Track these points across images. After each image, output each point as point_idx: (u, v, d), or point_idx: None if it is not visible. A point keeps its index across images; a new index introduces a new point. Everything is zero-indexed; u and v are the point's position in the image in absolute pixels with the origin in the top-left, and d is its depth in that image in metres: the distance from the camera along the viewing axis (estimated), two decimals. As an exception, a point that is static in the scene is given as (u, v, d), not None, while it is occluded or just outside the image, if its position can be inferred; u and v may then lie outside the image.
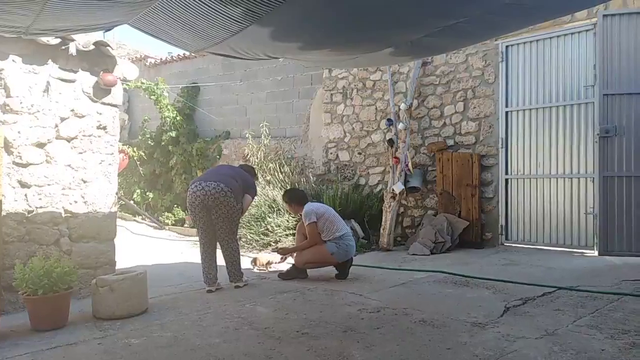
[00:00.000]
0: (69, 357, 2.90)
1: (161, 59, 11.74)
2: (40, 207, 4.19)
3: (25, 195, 4.11)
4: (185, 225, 9.26)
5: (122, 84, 4.79)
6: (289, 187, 7.23)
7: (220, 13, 2.78)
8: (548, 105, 6.11)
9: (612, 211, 5.36)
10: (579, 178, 5.88)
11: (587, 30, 5.79)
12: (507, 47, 6.39)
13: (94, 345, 3.09)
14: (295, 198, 5.07)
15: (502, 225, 6.41)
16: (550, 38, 6.07)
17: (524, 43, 6.27)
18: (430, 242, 6.20)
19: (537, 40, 6.18)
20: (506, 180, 6.41)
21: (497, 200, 6.43)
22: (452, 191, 6.61)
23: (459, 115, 6.76)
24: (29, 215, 4.13)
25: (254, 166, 6.77)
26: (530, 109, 6.24)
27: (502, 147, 6.41)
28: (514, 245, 6.31)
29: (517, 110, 6.34)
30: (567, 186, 5.98)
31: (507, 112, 6.40)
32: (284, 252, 5.23)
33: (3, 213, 3.95)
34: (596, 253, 5.52)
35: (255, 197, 5.36)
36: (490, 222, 6.48)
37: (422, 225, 6.68)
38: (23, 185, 4.10)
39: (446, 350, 2.78)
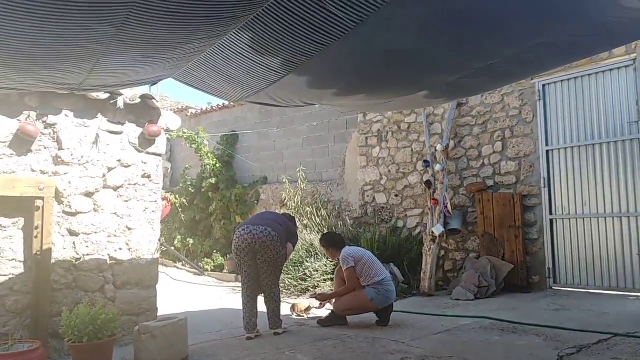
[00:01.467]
0: (111, 405, 2.90)
1: (201, 109, 12.20)
2: (87, 255, 4.32)
3: (74, 243, 4.26)
4: (225, 270, 9.31)
5: (165, 134, 4.99)
6: (326, 231, 7.21)
7: (260, 64, 2.90)
8: (591, 143, 5.95)
9: (669, 251, 5.07)
10: (629, 217, 5.63)
11: (626, 66, 5.69)
12: (543, 85, 6.33)
13: (135, 393, 3.09)
14: (332, 242, 5.04)
15: (549, 268, 6.14)
16: (589, 75, 5.99)
17: (561, 81, 6.21)
18: (473, 286, 6.00)
19: (574, 78, 6.10)
20: (551, 220, 6.19)
21: (543, 241, 6.20)
22: (494, 233, 6.43)
23: (497, 155, 6.66)
24: (77, 263, 4.26)
25: (293, 213, 6.81)
26: (572, 147, 6.09)
27: (544, 187, 6.24)
28: (563, 289, 6.02)
29: (559, 149, 6.20)
30: (617, 225, 5.72)
31: (547, 151, 6.27)
32: (323, 299, 5.15)
33: (52, 261, 4.10)
34: (654, 297, 5.20)
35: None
36: (537, 265, 6.23)
37: (465, 268, 6.49)
38: (72, 233, 4.25)
39: (497, 402, 2.63)
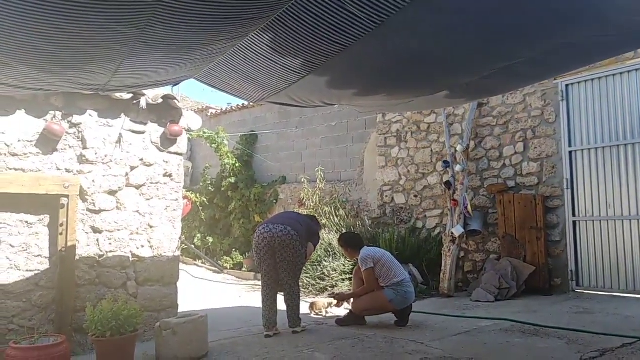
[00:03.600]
0: (133, 399, 2.96)
1: (221, 109, 12.32)
2: (110, 252, 4.41)
3: (97, 240, 4.35)
4: (243, 269, 9.39)
5: (187, 133, 5.05)
6: (344, 231, 7.21)
7: (280, 65, 2.92)
8: (616, 144, 5.83)
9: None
10: (655, 219, 5.50)
11: (653, 66, 5.56)
12: (567, 85, 6.23)
13: (157, 388, 3.15)
14: (351, 242, 5.04)
15: (572, 271, 6.04)
16: (613, 75, 5.87)
17: (585, 81, 6.10)
18: (494, 288, 5.93)
19: (599, 78, 5.99)
20: (574, 222, 6.09)
21: (565, 243, 6.10)
22: (515, 234, 6.35)
23: (519, 156, 6.58)
24: (100, 260, 4.35)
25: (312, 213, 6.83)
26: (597, 148, 5.98)
27: (567, 188, 6.14)
28: (586, 291, 5.91)
29: (582, 150, 6.09)
30: (642, 228, 5.60)
31: (570, 152, 6.17)
32: (341, 299, 5.16)
33: (76, 257, 4.19)
34: (681, 301, 5.08)
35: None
36: (559, 267, 6.13)
37: (485, 270, 6.42)
38: (95, 230, 4.34)
39: (517, 405, 2.61)
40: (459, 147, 6.92)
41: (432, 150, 7.58)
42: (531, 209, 6.25)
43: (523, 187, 6.50)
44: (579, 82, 6.15)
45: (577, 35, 2.67)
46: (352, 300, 4.97)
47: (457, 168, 6.83)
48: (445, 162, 7.11)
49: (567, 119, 6.21)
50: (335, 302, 5.33)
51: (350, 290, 5.62)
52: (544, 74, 4.09)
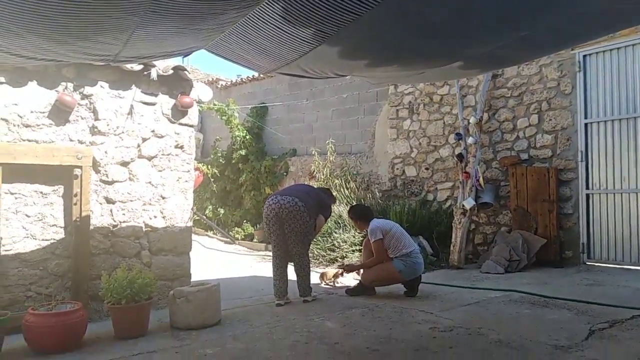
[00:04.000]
0: (149, 364, 3.05)
1: (231, 81, 12.25)
2: (124, 222, 4.47)
3: (111, 210, 4.41)
4: (254, 240, 9.49)
5: (197, 105, 5.04)
6: (354, 203, 7.23)
7: (291, 35, 2.88)
8: (633, 116, 5.73)
9: None
10: (670, 193, 5.44)
11: (675, 35, 5.40)
12: (584, 56, 6.09)
13: (171, 354, 3.23)
14: (360, 214, 5.06)
15: (583, 243, 6.03)
16: (633, 45, 5.72)
17: (603, 52, 5.95)
18: (504, 260, 5.95)
19: (617, 49, 5.84)
20: (587, 195, 6.04)
21: (578, 216, 6.07)
22: (527, 207, 6.33)
23: (533, 128, 6.49)
24: (114, 229, 4.42)
25: (323, 186, 6.84)
26: (613, 120, 5.88)
27: (581, 161, 6.07)
28: (597, 264, 5.91)
29: (598, 122, 6.00)
30: (656, 201, 5.54)
31: (586, 124, 6.07)
32: (350, 270, 5.22)
33: (91, 227, 4.26)
34: (693, 274, 5.06)
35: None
36: (570, 240, 6.12)
37: (495, 242, 6.43)
38: (109, 201, 4.40)
39: (525, 374, 2.64)
40: (472, 119, 6.84)
41: (444, 123, 7.50)
42: (544, 181, 6.20)
43: (536, 160, 6.44)
44: (596, 53, 6.00)
45: (598, 3, 2.59)
46: (361, 271, 5.02)
47: (470, 140, 6.77)
48: (457, 134, 7.04)
49: (583, 90, 6.09)
50: (342, 271, 5.40)
51: (359, 261, 5.67)
52: (562, 44, 3.98)
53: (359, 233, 6.74)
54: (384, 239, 4.73)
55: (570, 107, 6.17)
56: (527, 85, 6.56)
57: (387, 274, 4.74)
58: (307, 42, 2.98)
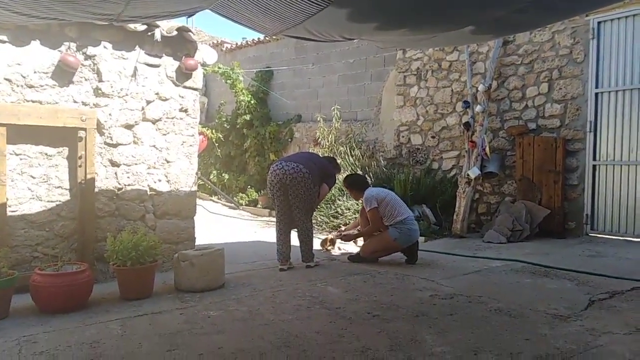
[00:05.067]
0: (154, 324, 3.10)
1: (236, 44, 12.03)
2: (129, 185, 4.48)
3: (115, 173, 4.41)
4: (259, 205, 9.54)
5: (202, 68, 4.97)
6: (359, 171, 7.21)
7: (298, -5, 2.79)
8: (645, 86, 5.61)
9: None
10: (678, 165, 5.38)
11: (694, 2, 5.22)
12: (599, 23, 5.91)
13: (176, 315, 3.29)
14: (355, 184, 5.08)
15: (587, 215, 6.02)
16: (650, 12, 5.54)
17: (619, 18, 5.77)
18: (507, 229, 5.96)
19: (633, 16, 5.66)
20: (594, 166, 5.99)
21: (583, 187, 6.04)
22: (532, 177, 6.29)
23: (542, 97, 6.38)
24: (119, 192, 4.43)
25: (328, 153, 6.80)
26: (624, 90, 5.76)
27: (590, 131, 5.98)
28: (600, 235, 5.92)
29: (609, 92, 5.88)
30: (664, 174, 5.49)
31: (597, 94, 5.95)
32: (348, 239, 5.27)
33: (96, 190, 4.27)
34: (696, 248, 5.06)
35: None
36: (574, 211, 6.11)
37: (499, 212, 6.42)
38: (113, 164, 4.39)
39: (524, 341, 2.68)
40: (480, 87, 6.72)
41: (452, 90, 7.38)
42: (551, 151, 6.14)
43: (544, 130, 6.36)
44: (611, 20, 5.83)
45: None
46: (359, 241, 5.04)
47: (478, 109, 6.68)
48: (465, 102, 6.93)
49: (596, 58, 5.94)
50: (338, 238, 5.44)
51: (355, 226, 5.68)
52: (579, 8, 3.86)
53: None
54: (379, 207, 4.74)
55: (581, 76, 6.04)
56: (538, 52, 6.41)
57: (384, 244, 4.77)
58: (315, 3, 2.89)
